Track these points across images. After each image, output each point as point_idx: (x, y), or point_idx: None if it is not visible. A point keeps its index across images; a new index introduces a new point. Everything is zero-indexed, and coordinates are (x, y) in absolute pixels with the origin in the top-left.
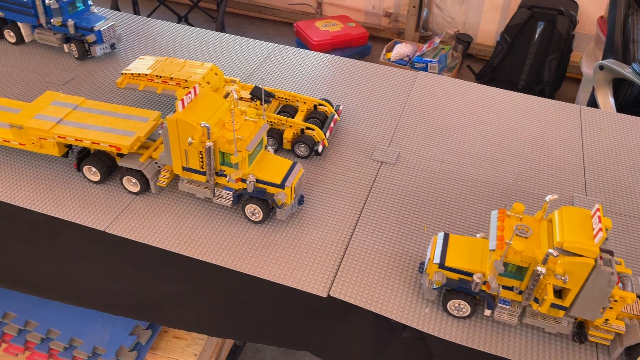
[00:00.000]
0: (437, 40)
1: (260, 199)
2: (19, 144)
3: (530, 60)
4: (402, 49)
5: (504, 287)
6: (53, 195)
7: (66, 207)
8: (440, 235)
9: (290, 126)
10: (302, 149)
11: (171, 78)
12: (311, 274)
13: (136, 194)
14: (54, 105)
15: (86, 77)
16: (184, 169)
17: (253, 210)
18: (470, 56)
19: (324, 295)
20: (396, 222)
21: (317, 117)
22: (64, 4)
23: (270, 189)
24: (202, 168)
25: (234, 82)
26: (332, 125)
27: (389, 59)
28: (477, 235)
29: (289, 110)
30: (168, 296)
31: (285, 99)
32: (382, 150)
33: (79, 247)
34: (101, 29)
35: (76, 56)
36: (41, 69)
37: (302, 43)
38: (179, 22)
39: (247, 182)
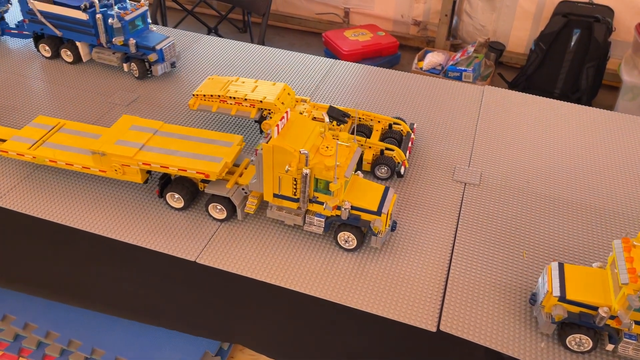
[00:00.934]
0: (470, 48)
1: (354, 226)
2: (100, 170)
3: (565, 68)
4: (434, 58)
5: (636, 322)
6: (137, 223)
7: (151, 235)
8: (555, 265)
9: (370, 147)
10: (383, 171)
11: (245, 99)
12: (414, 307)
13: (222, 220)
14: (134, 130)
15: (149, 97)
16: (275, 195)
17: (346, 237)
18: (501, 64)
19: (433, 329)
20: (493, 248)
21: (393, 136)
22: (126, 22)
23: (365, 216)
24: (295, 195)
25: (305, 101)
26: (410, 145)
27: (421, 68)
28: (593, 264)
29: (363, 130)
30: (256, 322)
31: (359, 118)
32: (463, 170)
33: (163, 272)
34: (162, 48)
35: (136, 75)
36: (102, 89)
37: (331, 53)
38: (208, 33)
39: (342, 209)
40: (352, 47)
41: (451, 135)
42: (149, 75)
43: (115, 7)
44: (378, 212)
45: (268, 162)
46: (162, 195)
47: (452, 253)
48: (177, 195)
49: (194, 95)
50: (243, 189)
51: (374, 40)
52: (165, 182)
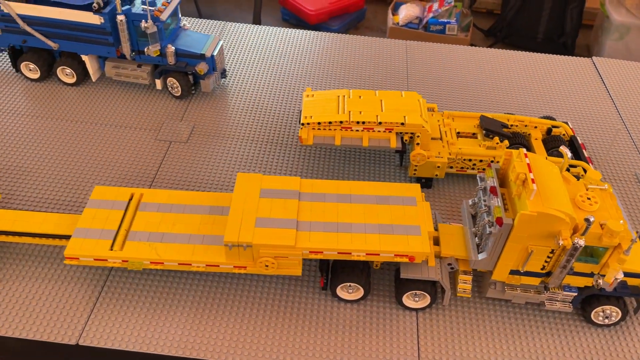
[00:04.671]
0: None
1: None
2: (236, 267)
3: (547, 11)
4: (409, 11)
5: None
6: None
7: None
8: None
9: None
10: None
11: (379, 122)
12: None
13: (421, 309)
14: (268, 198)
15: (208, 126)
16: (512, 272)
17: (608, 312)
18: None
19: None
20: None
21: (559, 144)
22: (162, 24)
23: (633, 281)
24: (544, 269)
25: (432, 109)
26: (585, 153)
27: (397, 23)
28: None
29: (519, 140)
30: None
31: (511, 125)
32: None
33: None
34: (214, 54)
35: (177, 94)
36: (137, 122)
37: (292, 14)
38: None
39: (598, 277)
40: (319, 7)
41: (596, 128)
42: (193, 92)
43: (137, 1)
44: None
45: (520, 234)
46: (329, 287)
47: None
48: (352, 285)
49: (302, 125)
50: (449, 265)
51: None
52: (327, 267)
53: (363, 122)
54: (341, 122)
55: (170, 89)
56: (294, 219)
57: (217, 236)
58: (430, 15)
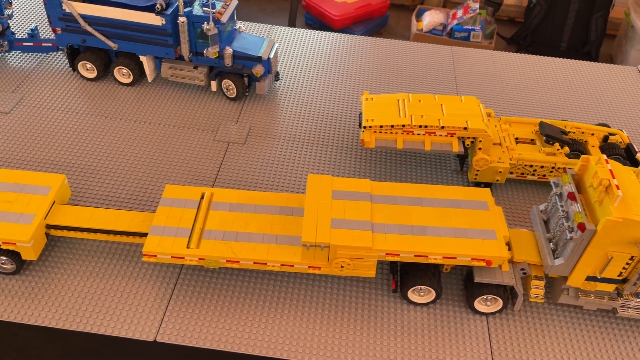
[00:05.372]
0: (473, 4)
1: None
2: (311, 267)
3: (572, 19)
4: (434, 17)
5: None
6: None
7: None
8: None
9: None
10: None
11: (442, 126)
12: None
13: (491, 314)
14: (340, 200)
15: (264, 128)
16: (588, 278)
17: None
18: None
19: None
20: None
21: (616, 152)
22: (222, 26)
23: None
24: (620, 276)
25: (489, 115)
26: None
27: (420, 30)
28: None
29: (577, 148)
30: None
31: (568, 131)
32: None
33: None
34: (270, 56)
35: (232, 96)
36: (195, 122)
37: (317, 19)
38: None
39: None
40: (343, 12)
41: None
42: (247, 94)
43: (196, 4)
44: None
45: (603, 240)
46: (400, 289)
47: None
48: (423, 287)
49: (363, 128)
50: (522, 270)
51: (363, 1)
52: (399, 270)
53: (425, 126)
54: (403, 125)
55: (225, 90)
56: (368, 220)
57: (291, 236)
58: (455, 22)
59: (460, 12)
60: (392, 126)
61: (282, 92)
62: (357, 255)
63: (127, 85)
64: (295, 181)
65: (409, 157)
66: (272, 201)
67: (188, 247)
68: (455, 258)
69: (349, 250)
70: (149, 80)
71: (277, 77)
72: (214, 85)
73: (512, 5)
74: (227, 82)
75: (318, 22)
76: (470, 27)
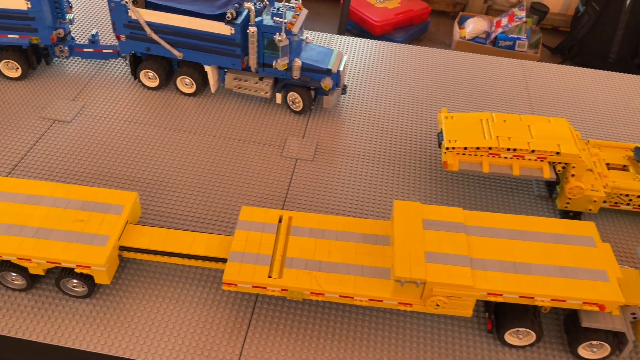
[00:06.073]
0: (519, 12)
1: None
2: (401, 304)
3: (621, 30)
4: (477, 25)
5: None
6: None
7: None
8: None
9: None
10: None
11: (532, 150)
12: None
13: None
14: (432, 230)
15: (332, 144)
16: None
17: None
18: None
19: None
20: None
21: None
22: (292, 37)
23: None
24: None
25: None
26: None
27: (463, 37)
28: None
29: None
30: None
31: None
32: None
33: None
34: (339, 69)
35: (297, 110)
36: (262, 137)
37: (356, 25)
38: None
39: None
40: (384, 17)
41: None
42: (312, 108)
43: (264, 13)
44: None
45: None
46: (497, 330)
47: None
48: (520, 331)
49: (446, 149)
50: (633, 314)
51: (404, 7)
52: (493, 308)
53: (514, 150)
54: (490, 147)
55: (290, 103)
56: (466, 255)
57: (378, 268)
58: (499, 30)
59: (505, 20)
60: (478, 148)
61: (347, 106)
62: (455, 294)
63: (189, 95)
64: (369, 202)
65: (485, 180)
66: (354, 227)
67: (270, 277)
68: (564, 301)
69: (447, 288)
70: (212, 91)
71: (344, 90)
72: (278, 97)
73: (556, 13)
74: (293, 95)
75: (357, 27)
76: (515, 36)
